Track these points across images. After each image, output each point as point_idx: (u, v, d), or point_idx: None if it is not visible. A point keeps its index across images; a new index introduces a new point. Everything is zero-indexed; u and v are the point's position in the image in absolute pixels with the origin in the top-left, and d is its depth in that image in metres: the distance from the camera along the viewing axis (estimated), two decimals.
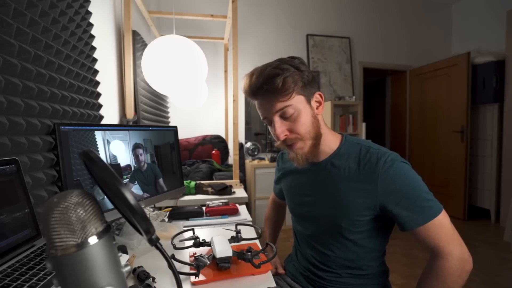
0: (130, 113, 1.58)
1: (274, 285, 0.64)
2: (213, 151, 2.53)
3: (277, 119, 0.68)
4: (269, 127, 0.74)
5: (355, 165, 0.69)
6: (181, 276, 0.65)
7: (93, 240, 0.26)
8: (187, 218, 1.08)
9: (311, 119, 0.69)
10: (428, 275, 0.64)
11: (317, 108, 0.71)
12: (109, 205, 0.77)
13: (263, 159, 3.09)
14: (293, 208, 0.85)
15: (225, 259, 0.66)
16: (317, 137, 0.70)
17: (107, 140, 0.83)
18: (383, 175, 0.64)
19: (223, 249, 0.68)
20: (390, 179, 0.64)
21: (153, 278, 0.63)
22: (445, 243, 0.62)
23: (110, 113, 1.42)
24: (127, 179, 0.89)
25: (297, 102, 0.67)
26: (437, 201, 0.64)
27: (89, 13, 1.13)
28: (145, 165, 0.97)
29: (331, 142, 0.74)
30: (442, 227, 0.62)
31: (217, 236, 0.75)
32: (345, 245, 0.73)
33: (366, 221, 0.69)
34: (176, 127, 1.16)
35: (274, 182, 1.01)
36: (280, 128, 0.67)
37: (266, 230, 1.07)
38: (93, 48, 1.17)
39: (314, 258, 0.79)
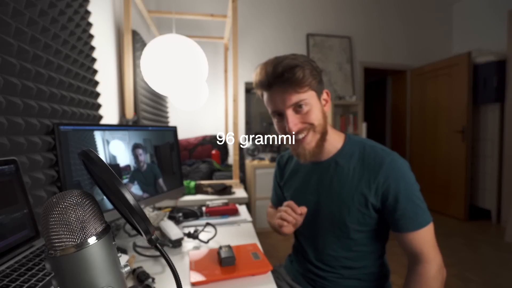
0: (129, 113, 1.58)
1: (275, 285, 0.63)
2: (213, 151, 2.52)
3: (290, 112, 0.67)
4: (275, 121, 0.72)
5: (359, 164, 0.70)
6: (181, 276, 0.65)
7: (92, 240, 0.26)
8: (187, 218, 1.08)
9: (322, 114, 0.70)
10: (413, 280, 0.65)
11: (324, 106, 0.72)
12: (109, 205, 0.76)
13: (263, 159, 3.08)
14: None
15: (179, 241, 0.81)
16: (324, 132, 0.71)
17: (107, 140, 0.83)
18: (386, 175, 0.66)
19: (176, 232, 0.81)
20: (393, 180, 0.66)
21: (153, 279, 0.62)
22: (430, 250, 0.65)
23: (109, 113, 1.42)
24: (127, 179, 0.89)
25: (310, 97, 0.67)
26: (428, 211, 0.67)
27: (88, 13, 1.12)
28: (145, 165, 0.97)
29: (334, 140, 0.75)
30: (429, 235, 0.66)
31: (163, 222, 0.85)
32: (348, 245, 0.73)
33: (370, 221, 0.70)
34: (175, 127, 1.15)
35: (273, 189, 0.96)
36: (292, 122, 0.67)
37: (272, 222, 0.88)
38: (93, 48, 1.16)
39: (316, 259, 0.79)
